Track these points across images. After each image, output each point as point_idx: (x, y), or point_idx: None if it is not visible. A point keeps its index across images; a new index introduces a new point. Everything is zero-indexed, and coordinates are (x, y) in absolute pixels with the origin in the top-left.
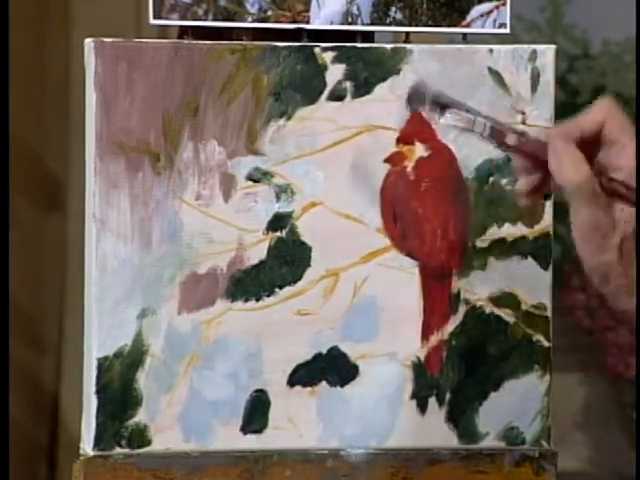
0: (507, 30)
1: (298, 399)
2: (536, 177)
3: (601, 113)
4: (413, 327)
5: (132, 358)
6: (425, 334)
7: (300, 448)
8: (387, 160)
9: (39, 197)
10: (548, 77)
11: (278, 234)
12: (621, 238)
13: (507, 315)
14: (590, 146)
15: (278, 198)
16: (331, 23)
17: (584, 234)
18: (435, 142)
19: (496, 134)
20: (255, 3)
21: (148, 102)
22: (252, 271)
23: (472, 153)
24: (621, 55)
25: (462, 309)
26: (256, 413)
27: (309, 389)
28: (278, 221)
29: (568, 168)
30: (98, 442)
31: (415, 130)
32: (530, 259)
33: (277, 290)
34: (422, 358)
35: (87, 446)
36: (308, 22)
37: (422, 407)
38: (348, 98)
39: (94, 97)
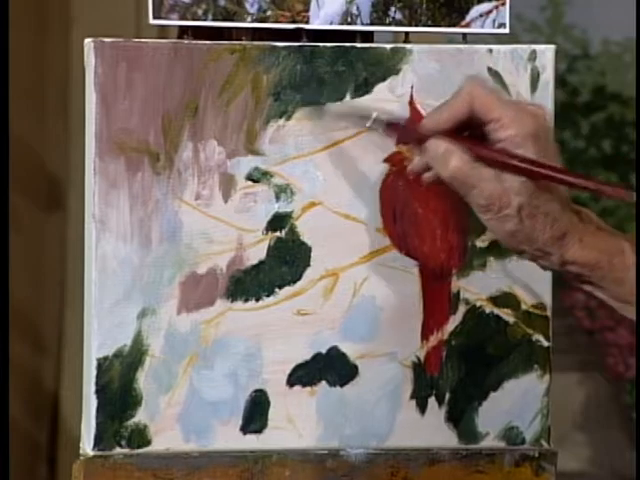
0: (507, 30)
1: (298, 399)
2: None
3: (466, 98)
4: (413, 327)
5: (132, 358)
6: (425, 334)
7: (300, 448)
8: (387, 160)
9: (39, 197)
10: (548, 77)
11: (278, 234)
12: (518, 205)
13: (507, 315)
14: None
15: (278, 198)
16: (331, 23)
17: (481, 213)
18: None
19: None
20: (255, 3)
21: (148, 102)
22: (252, 271)
23: None
24: (621, 55)
25: (462, 309)
26: (256, 413)
27: (309, 389)
28: (278, 221)
29: (437, 164)
30: (98, 442)
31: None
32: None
33: (277, 290)
34: (422, 358)
35: (87, 446)
36: (308, 22)
37: (422, 407)
38: (348, 98)
39: (94, 97)
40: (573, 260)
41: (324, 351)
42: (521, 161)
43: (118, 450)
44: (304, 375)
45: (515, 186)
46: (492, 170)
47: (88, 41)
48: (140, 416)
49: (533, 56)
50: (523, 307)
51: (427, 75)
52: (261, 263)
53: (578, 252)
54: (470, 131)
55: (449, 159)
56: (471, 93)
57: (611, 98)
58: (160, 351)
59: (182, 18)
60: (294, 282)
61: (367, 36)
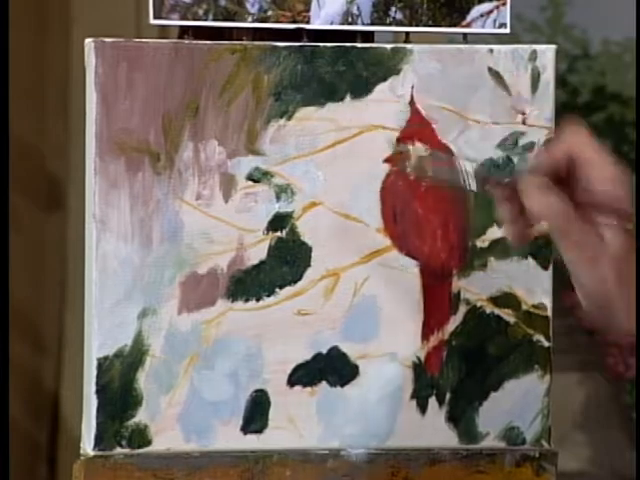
0: (507, 30)
1: (298, 399)
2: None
3: (567, 139)
4: (413, 327)
5: (132, 358)
6: (425, 334)
7: (300, 448)
8: (387, 160)
9: (39, 197)
10: (548, 77)
11: (278, 234)
12: (612, 259)
13: (507, 315)
14: (568, 173)
15: (278, 198)
16: (331, 23)
17: (573, 264)
18: (435, 142)
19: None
20: (255, 3)
21: (148, 102)
22: (252, 271)
23: (472, 153)
24: (621, 55)
25: (462, 309)
26: (256, 413)
27: (309, 389)
28: (278, 221)
29: (533, 200)
30: (98, 442)
31: (415, 130)
32: (530, 259)
33: (277, 290)
34: (422, 358)
35: (87, 446)
36: (308, 22)
37: (422, 407)
38: (348, 98)
39: (94, 97)
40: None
41: (325, 351)
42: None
43: (118, 450)
44: (305, 375)
45: (610, 236)
46: (586, 225)
47: (88, 41)
48: (141, 416)
49: (534, 56)
50: (523, 307)
51: (428, 75)
52: (262, 263)
53: None
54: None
55: (546, 196)
56: (572, 135)
57: (611, 98)
58: (161, 351)
59: (183, 18)
60: (295, 282)
61: (368, 36)
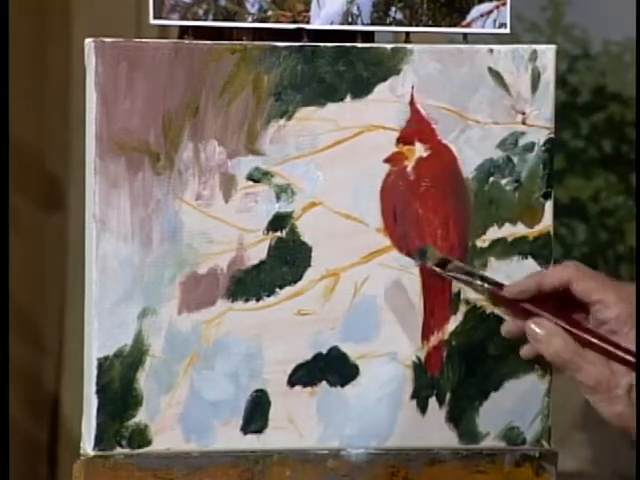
0: (507, 30)
1: (298, 399)
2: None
3: (565, 272)
4: (413, 327)
5: (132, 358)
6: (425, 334)
7: (300, 448)
8: (387, 160)
9: (39, 197)
10: (548, 77)
11: (278, 234)
12: (627, 386)
13: (508, 315)
14: (557, 299)
15: (278, 198)
16: (331, 23)
17: (589, 393)
18: (435, 142)
19: (492, 292)
20: (255, 3)
21: (148, 102)
22: (252, 271)
23: (472, 153)
24: (621, 55)
25: (462, 309)
26: (256, 413)
27: (309, 389)
28: (278, 221)
29: (541, 344)
30: (98, 442)
31: (415, 130)
32: (530, 259)
33: (277, 290)
34: (422, 358)
35: (87, 446)
36: (308, 22)
37: (422, 407)
38: (348, 98)
39: (94, 97)
40: None
41: (325, 351)
42: (626, 353)
43: (119, 450)
44: (305, 375)
45: (624, 368)
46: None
47: (88, 41)
48: (141, 416)
49: (534, 56)
50: None
51: (428, 75)
52: (262, 263)
53: None
54: (574, 311)
55: (552, 340)
56: (570, 271)
57: (611, 98)
58: (161, 351)
59: (183, 18)
60: (295, 282)
61: (368, 36)
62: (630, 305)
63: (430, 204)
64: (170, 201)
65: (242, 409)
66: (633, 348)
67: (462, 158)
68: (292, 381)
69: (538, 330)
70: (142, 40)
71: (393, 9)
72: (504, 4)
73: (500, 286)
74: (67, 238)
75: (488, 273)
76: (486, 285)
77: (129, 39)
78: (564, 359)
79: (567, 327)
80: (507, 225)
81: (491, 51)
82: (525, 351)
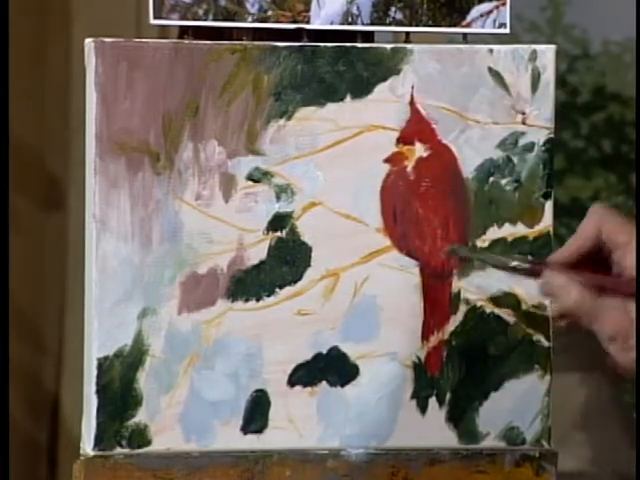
0: (507, 30)
1: (298, 399)
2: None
3: (595, 224)
4: (413, 327)
5: (132, 358)
6: (425, 334)
7: (300, 448)
8: (387, 160)
9: (39, 197)
10: (548, 77)
11: (278, 234)
12: None
13: (507, 315)
14: (597, 252)
15: (278, 198)
16: (331, 23)
17: (606, 343)
18: (435, 142)
19: (533, 270)
20: (255, 3)
21: (148, 102)
22: (252, 271)
23: (472, 153)
24: (621, 55)
25: (462, 309)
26: (256, 413)
27: (309, 389)
28: (278, 221)
29: (558, 297)
30: (98, 442)
31: (415, 130)
32: (530, 259)
33: (277, 290)
34: (422, 358)
35: (87, 446)
36: (308, 22)
37: (422, 407)
38: (348, 98)
39: (94, 97)
40: None
41: (325, 351)
42: None
43: (118, 450)
44: (305, 375)
45: None
46: (615, 300)
47: (88, 41)
48: (141, 416)
49: (534, 56)
50: (523, 307)
51: (428, 75)
52: (262, 263)
53: None
54: (595, 262)
55: (569, 292)
56: (600, 219)
57: (611, 98)
58: (161, 351)
59: (183, 18)
60: (295, 282)
61: (368, 36)
62: None
63: (430, 204)
64: (170, 201)
65: (242, 409)
66: None
67: (462, 158)
68: (292, 381)
69: (554, 283)
70: (142, 40)
71: (393, 9)
72: (504, 4)
73: (539, 264)
74: (67, 238)
75: (488, 273)
76: (524, 265)
77: (129, 39)
78: (582, 309)
79: (588, 276)
80: (507, 225)
81: (491, 51)
82: (553, 313)
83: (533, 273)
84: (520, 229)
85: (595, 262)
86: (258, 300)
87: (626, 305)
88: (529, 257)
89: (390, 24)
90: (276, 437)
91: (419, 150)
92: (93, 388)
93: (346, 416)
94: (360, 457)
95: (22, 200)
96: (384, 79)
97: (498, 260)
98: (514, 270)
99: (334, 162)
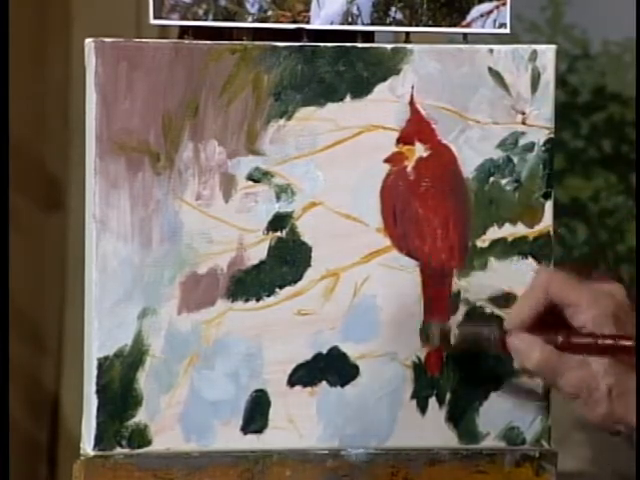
0: (507, 30)
1: (298, 399)
2: None
3: (542, 289)
4: (413, 327)
5: (132, 358)
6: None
7: (300, 448)
8: (387, 160)
9: (39, 197)
10: (548, 77)
11: (278, 234)
12: (607, 388)
13: (507, 315)
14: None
15: (278, 198)
16: (331, 23)
17: (570, 399)
18: (435, 142)
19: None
20: (255, 3)
21: (148, 102)
22: (252, 271)
23: (472, 153)
24: (621, 55)
25: (462, 309)
26: (256, 413)
27: (309, 389)
28: (278, 221)
29: (522, 358)
30: (98, 442)
31: (415, 130)
32: (530, 259)
33: (277, 290)
34: (422, 358)
35: (87, 446)
36: (308, 22)
37: (422, 407)
38: (348, 98)
39: (94, 97)
40: None
41: (325, 351)
42: (607, 338)
43: (118, 450)
44: (305, 375)
45: (602, 369)
46: (577, 357)
47: (88, 41)
48: (141, 416)
49: (534, 56)
50: None
51: (428, 75)
52: (262, 263)
53: None
54: (551, 317)
55: (532, 352)
56: (546, 284)
57: (611, 98)
58: (161, 351)
59: (183, 18)
60: (295, 282)
61: (368, 36)
62: (605, 307)
63: (430, 204)
64: (170, 201)
65: (242, 409)
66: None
67: (462, 158)
68: (292, 381)
69: (517, 344)
70: (142, 40)
71: (393, 9)
72: (504, 4)
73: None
74: (67, 238)
75: (488, 273)
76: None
77: (129, 39)
78: (544, 368)
79: (548, 334)
80: (507, 225)
81: (491, 51)
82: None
83: (501, 344)
84: (520, 229)
85: (558, 317)
86: (258, 300)
87: (587, 361)
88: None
89: (390, 24)
90: (276, 437)
91: (419, 150)
92: (93, 388)
93: (346, 416)
94: (360, 457)
95: (22, 200)
96: (384, 79)
97: (464, 342)
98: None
99: (334, 162)
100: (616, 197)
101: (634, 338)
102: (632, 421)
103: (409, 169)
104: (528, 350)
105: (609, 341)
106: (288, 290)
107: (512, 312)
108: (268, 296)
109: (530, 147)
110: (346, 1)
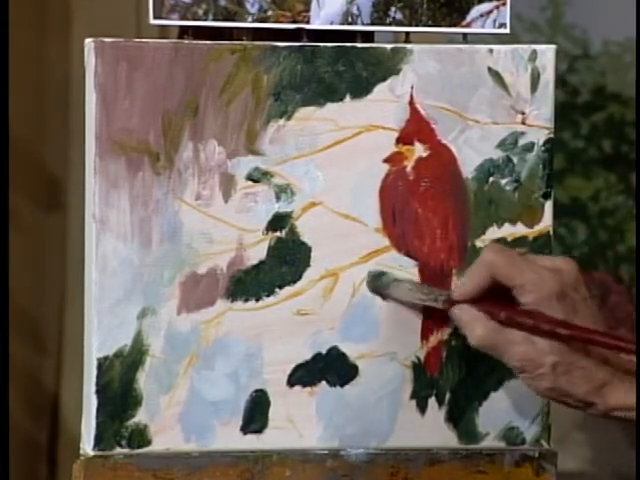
0: (507, 30)
1: (298, 399)
2: None
3: (486, 267)
4: (413, 327)
5: (132, 358)
6: (425, 334)
7: (300, 448)
8: (386, 160)
9: (39, 197)
10: (548, 77)
11: (278, 234)
12: (552, 364)
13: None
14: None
15: (278, 198)
16: (331, 23)
17: (517, 373)
18: (435, 142)
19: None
20: (255, 3)
21: (148, 102)
22: (252, 271)
23: (472, 153)
24: (621, 55)
25: None
26: (256, 413)
27: (309, 389)
28: (278, 221)
29: (466, 332)
30: (98, 442)
31: (415, 130)
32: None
33: (277, 290)
34: (422, 358)
35: (87, 446)
36: (308, 22)
37: (422, 407)
38: (348, 98)
39: (94, 97)
40: (618, 406)
41: (324, 351)
42: (548, 322)
43: (118, 450)
44: (304, 375)
45: (547, 346)
46: (522, 332)
47: (88, 41)
48: (140, 416)
49: (534, 56)
50: None
51: (427, 75)
52: (261, 263)
53: (622, 398)
54: (497, 293)
55: (474, 327)
56: (491, 262)
57: (611, 98)
58: (160, 351)
59: (183, 18)
60: (294, 282)
61: (367, 36)
62: (550, 287)
63: (429, 204)
64: (170, 201)
65: (242, 409)
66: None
67: (462, 158)
68: (292, 381)
69: (461, 318)
70: (142, 40)
71: (393, 9)
72: (504, 4)
73: (447, 300)
74: (67, 238)
75: None
76: (432, 302)
77: (129, 39)
78: (487, 344)
79: (491, 309)
80: (507, 225)
81: (491, 51)
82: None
83: (443, 307)
84: (520, 229)
85: (504, 292)
86: (258, 300)
87: (532, 338)
88: (439, 292)
89: (390, 24)
90: (276, 437)
91: (419, 150)
92: (93, 388)
93: (346, 416)
94: (360, 457)
95: (22, 200)
96: (384, 79)
97: (406, 294)
98: (423, 302)
99: (334, 162)
100: (616, 197)
101: (575, 327)
102: (577, 393)
103: (408, 169)
104: (471, 325)
105: (547, 327)
106: (287, 290)
107: (458, 285)
108: (268, 296)
109: (530, 147)
110: (346, 1)
